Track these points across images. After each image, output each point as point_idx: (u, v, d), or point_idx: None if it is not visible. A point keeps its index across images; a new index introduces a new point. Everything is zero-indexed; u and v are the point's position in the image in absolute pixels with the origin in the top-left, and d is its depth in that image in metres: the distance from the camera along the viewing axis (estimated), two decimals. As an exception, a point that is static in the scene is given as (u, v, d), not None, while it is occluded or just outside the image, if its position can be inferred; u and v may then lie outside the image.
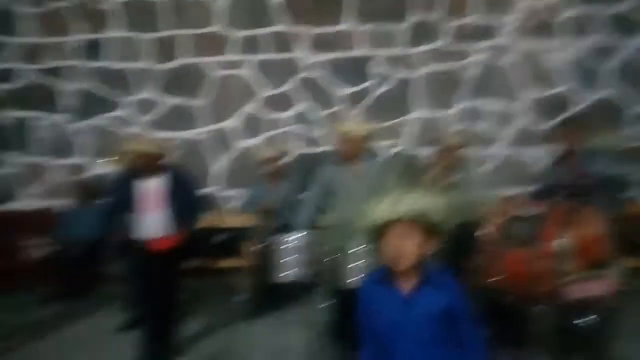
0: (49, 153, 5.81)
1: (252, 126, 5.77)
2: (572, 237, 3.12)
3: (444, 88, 5.71)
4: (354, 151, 3.58)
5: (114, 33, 5.76)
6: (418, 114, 5.74)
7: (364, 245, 3.03)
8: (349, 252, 3.15)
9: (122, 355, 3.72)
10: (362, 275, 2.82)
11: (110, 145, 5.41)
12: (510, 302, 3.26)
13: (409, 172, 5.19)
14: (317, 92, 5.72)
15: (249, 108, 5.76)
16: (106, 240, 4.17)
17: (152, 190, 3.71)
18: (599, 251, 3.13)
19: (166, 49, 5.74)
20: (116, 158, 4.15)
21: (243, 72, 5.74)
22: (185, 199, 3.74)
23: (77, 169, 5.80)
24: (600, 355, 3.18)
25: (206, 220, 4.26)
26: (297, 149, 5.75)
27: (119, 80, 5.75)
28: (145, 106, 5.78)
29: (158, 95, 5.77)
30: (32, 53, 5.76)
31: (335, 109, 5.72)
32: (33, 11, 5.75)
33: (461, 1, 5.65)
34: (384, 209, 1.77)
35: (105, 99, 5.77)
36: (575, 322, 3.08)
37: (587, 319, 3.06)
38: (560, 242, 3.13)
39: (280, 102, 5.75)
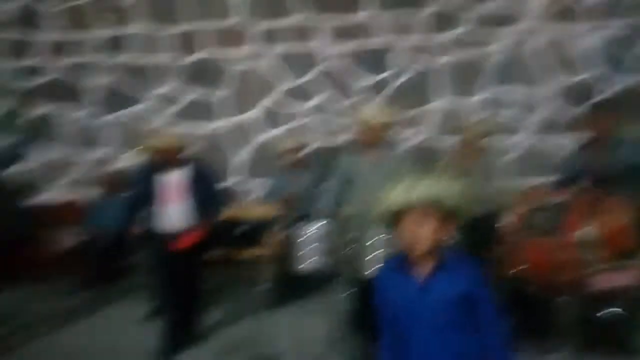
0: (75, 147, 5.95)
1: (273, 118, 5.79)
2: (597, 227, 3.07)
3: (466, 76, 5.61)
4: (373, 140, 3.57)
5: (135, 29, 5.85)
6: (440, 103, 5.66)
7: (383, 235, 3.02)
8: (368, 242, 3.15)
9: (146, 343, 3.80)
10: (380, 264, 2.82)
11: (133, 139, 5.51)
12: (533, 292, 3.23)
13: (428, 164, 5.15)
14: (337, 83, 5.71)
15: (269, 100, 5.79)
16: (130, 232, 4.26)
17: (173, 183, 3.79)
18: (624, 241, 3.08)
19: (187, 43, 5.80)
20: (139, 151, 4.23)
21: (263, 64, 5.76)
22: (205, 191, 3.82)
23: (103, 161, 5.93)
24: (625, 347, 3.12)
25: (228, 211, 4.32)
26: (318, 140, 5.75)
27: (141, 75, 5.84)
28: (167, 100, 5.86)
29: (180, 89, 5.85)
30: (57, 49, 5.90)
31: (355, 99, 5.70)
32: (57, 9, 5.87)
33: (483, -13, 5.55)
34: (398, 195, 1.76)
35: (128, 93, 5.87)
36: (599, 313, 3.04)
37: (611, 310, 3.01)
38: (585, 231, 3.08)
39: (301, 94, 5.75)
